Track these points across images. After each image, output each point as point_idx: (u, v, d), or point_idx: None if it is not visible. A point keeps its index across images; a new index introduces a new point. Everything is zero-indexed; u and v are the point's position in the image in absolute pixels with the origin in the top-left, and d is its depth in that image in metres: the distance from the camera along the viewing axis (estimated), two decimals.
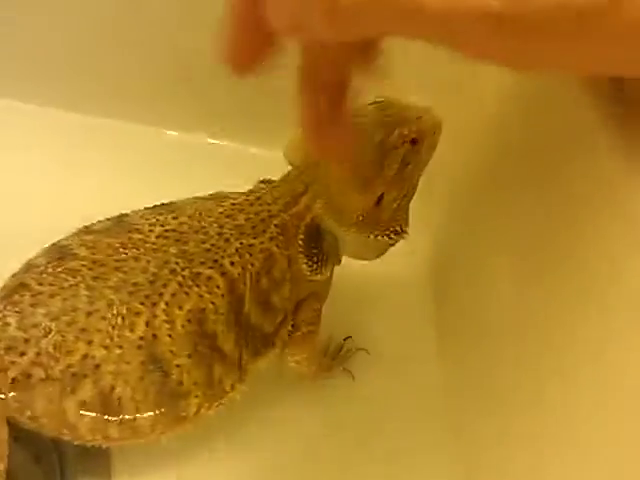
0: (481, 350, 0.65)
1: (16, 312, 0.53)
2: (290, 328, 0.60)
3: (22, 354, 0.52)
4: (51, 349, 0.52)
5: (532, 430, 0.53)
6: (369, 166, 0.57)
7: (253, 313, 0.57)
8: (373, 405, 0.68)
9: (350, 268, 0.66)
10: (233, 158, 0.85)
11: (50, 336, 0.52)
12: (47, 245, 0.59)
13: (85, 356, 0.52)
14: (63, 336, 0.52)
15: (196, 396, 0.55)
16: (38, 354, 0.52)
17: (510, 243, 0.62)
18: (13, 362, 0.52)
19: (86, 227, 0.60)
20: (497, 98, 0.64)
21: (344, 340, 0.69)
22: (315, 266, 0.60)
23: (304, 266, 0.60)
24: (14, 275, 0.57)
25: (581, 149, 0.50)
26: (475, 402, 0.65)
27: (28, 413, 0.53)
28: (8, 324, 0.53)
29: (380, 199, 0.58)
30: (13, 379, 0.52)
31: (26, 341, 0.52)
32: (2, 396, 0.52)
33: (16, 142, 0.81)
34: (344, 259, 0.64)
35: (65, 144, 0.81)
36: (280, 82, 0.74)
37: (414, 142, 0.57)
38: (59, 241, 0.59)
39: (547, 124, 0.56)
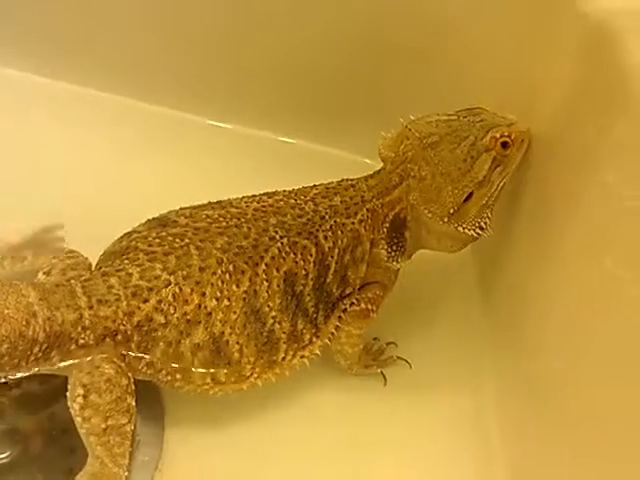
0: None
1: (136, 265, 0.59)
2: (354, 300, 0.66)
3: (145, 300, 0.58)
4: (170, 298, 0.58)
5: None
6: (462, 166, 0.63)
7: (331, 283, 0.64)
8: (394, 417, 0.70)
9: (410, 279, 0.71)
10: (299, 156, 0.88)
11: (170, 287, 0.58)
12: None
13: (199, 305, 0.59)
14: (181, 288, 0.58)
15: (284, 342, 0.62)
16: (160, 301, 0.58)
17: (554, 254, 0.65)
18: (138, 307, 0.57)
19: (181, 208, 0.65)
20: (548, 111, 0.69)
21: (387, 344, 0.73)
22: (393, 253, 0.66)
23: (383, 251, 0.66)
24: (115, 243, 0.63)
25: None
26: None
27: (147, 359, 0.58)
28: (131, 274, 0.59)
29: (470, 196, 0.64)
30: (138, 322, 0.58)
31: (149, 290, 0.58)
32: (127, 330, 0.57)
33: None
34: (407, 268, 0.68)
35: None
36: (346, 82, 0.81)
37: (505, 145, 0.63)
38: (155, 217, 0.65)
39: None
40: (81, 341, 0.56)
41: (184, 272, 0.59)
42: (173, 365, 0.59)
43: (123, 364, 0.57)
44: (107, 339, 0.57)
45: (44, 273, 0.63)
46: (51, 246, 0.70)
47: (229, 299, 0.59)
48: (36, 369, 0.56)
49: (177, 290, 0.58)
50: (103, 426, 0.56)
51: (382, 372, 0.71)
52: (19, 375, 0.56)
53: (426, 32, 0.76)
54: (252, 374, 0.61)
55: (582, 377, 0.58)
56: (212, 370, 0.60)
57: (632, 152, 0.56)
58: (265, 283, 0.60)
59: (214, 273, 0.59)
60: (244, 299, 0.60)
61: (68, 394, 0.56)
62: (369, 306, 0.67)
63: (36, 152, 0.82)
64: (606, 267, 0.58)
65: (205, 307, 0.59)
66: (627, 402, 0.51)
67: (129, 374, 0.58)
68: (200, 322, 0.59)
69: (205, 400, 0.63)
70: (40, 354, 0.55)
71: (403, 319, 0.75)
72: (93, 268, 0.63)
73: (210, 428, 0.65)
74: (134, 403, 0.57)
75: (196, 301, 0.58)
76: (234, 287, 0.59)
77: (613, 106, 0.58)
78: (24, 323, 0.54)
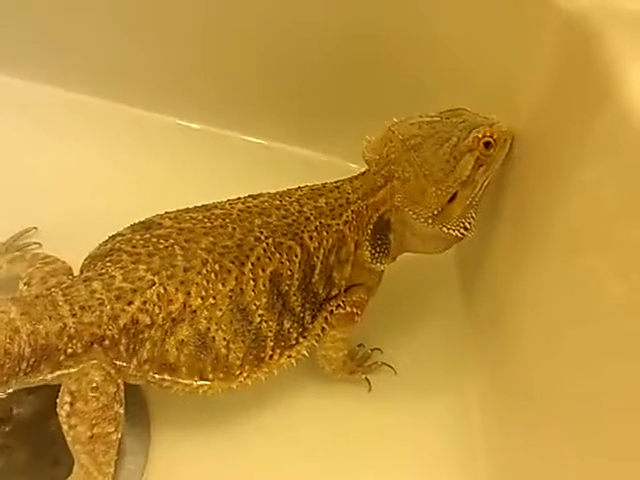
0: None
1: (119, 267, 0.58)
2: (340, 303, 0.67)
3: (130, 303, 0.57)
4: (155, 298, 0.57)
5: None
6: (445, 167, 0.63)
7: (317, 283, 0.64)
8: (379, 422, 0.70)
9: (393, 282, 0.70)
10: (271, 158, 0.88)
11: (154, 287, 0.58)
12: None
13: (184, 305, 0.58)
14: (165, 288, 0.58)
15: (271, 341, 0.62)
16: (144, 302, 0.57)
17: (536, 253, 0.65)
18: (123, 310, 0.57)
19: (166, 211, 0.65)
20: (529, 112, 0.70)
21: (371, 350, 0.73)
22: (377, 255, 0.66)
23: (367, 253, 0.66)
24: (100, 246, 0.63)
25: None
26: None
27: (135, 362, 0.58)
28: (114, 277, 0.58)
29: (454, 197, 0.64)
30: (124, 325, 0.57)
31: (133, 291, 0.57)
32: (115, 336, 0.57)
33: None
34: (389, 271, 0.69)
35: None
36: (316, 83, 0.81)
37: (487, 145, 0.64)
38: (140, 221, 0.65)
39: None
40: (69, 350, 0.55)
41: (168, 272, 0.58)
42: (160, 364, 0.58)
43: (113, 370, 0.56)
44: (95, 345, 0.56)
45: (25, 284, 0.62)
46: (27, 252, 0.69)
47: (214, 297, 0.59)
48: (29, 381, 0.55)
49: (161, 290, 0.58)
50: (89, 434, 0.54)
51: (367, 378, 0.70)
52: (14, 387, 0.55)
53: (411, 37, 0.76)
54: (241, 373, 0.61)
55: (565, 377, 0.58)
56: (198, 365, 0.59)
57: (612, 150, 0.56)
58: (251, 282, 0.60)
59: (199, 273, 0.59)
60: (230, 297, 0.59)
61: (57, 401, 0.55)
62: (354, 310, 0.67)
63: (16, 158, 0.81)
64: (587, 267, 0.58)
65: (190, 306, 0.58)
66: (610, 401, 0.51)
67: (118, 381, 0.57)
68: (185, 320, 0.58)
69: (191, 407, 0.63)
70: (29, 369, 0.54)
71: (386, 323, 0.74)
72: (77, 273, 0.62)
73: (196, 435, 0.64)
74: (122, 411, 0.56)
75: (181, 300, 0.58)
76: (220, 286, 0.59)
77: (593, 105, 0.58)
78: (8, 340, 0.53)
